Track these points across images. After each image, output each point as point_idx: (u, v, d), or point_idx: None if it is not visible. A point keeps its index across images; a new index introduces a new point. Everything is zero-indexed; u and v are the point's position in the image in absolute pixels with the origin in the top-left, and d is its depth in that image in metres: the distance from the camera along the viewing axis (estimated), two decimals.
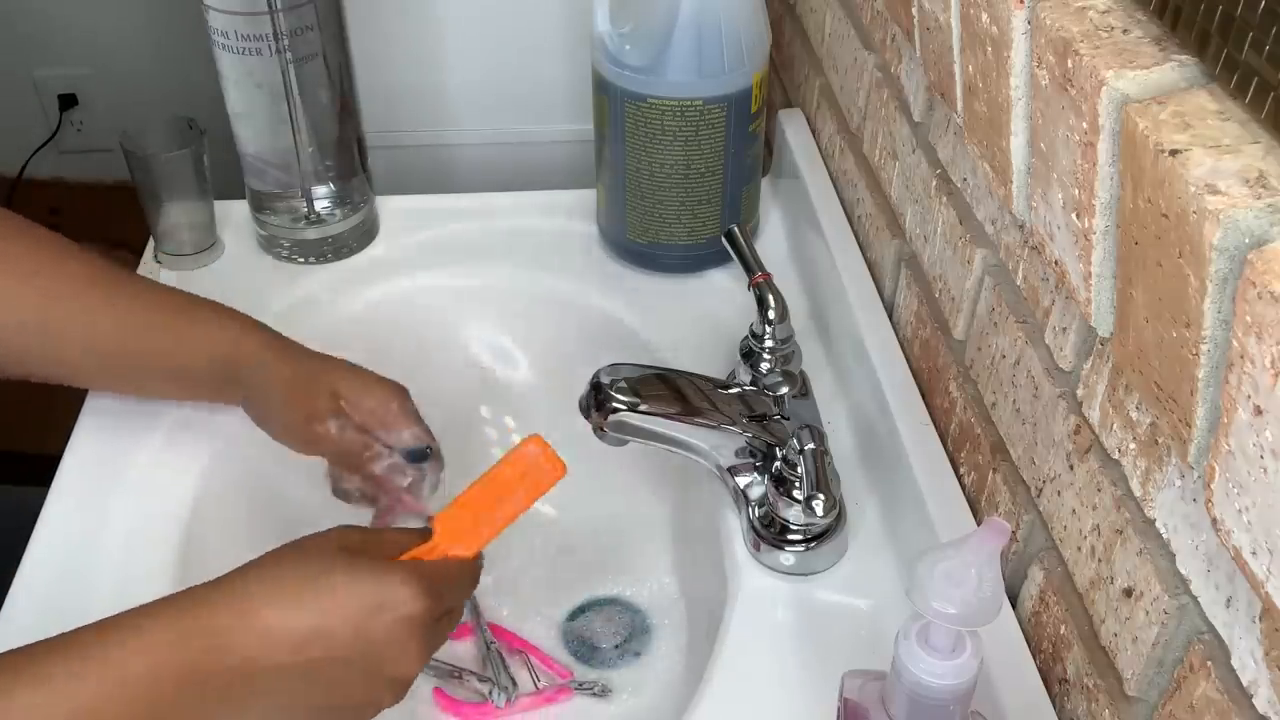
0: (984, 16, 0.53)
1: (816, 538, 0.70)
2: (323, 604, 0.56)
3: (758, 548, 0.71)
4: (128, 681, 0.53)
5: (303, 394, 0.73)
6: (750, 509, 0.72)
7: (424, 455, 0.74)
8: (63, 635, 0.54)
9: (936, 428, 0.72)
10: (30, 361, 0.72)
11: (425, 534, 0.61)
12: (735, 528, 0.73)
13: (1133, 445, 0.51)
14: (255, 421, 0.75)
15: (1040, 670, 0.59)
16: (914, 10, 0.65)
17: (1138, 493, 0.51)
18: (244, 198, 0.95)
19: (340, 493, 0.76)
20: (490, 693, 0.75)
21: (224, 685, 0.55)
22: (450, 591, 0.60)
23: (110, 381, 0.78)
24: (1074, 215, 0.48)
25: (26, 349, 0.72)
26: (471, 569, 0.62)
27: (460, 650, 0.79)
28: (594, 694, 0.76)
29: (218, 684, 0.55)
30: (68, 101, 1.86)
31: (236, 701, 0.56)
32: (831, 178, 0.93)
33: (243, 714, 0.56)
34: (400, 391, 0.74)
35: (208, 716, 0.55)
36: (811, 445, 0.68)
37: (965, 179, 0.68)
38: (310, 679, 0.56)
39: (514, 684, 0.75)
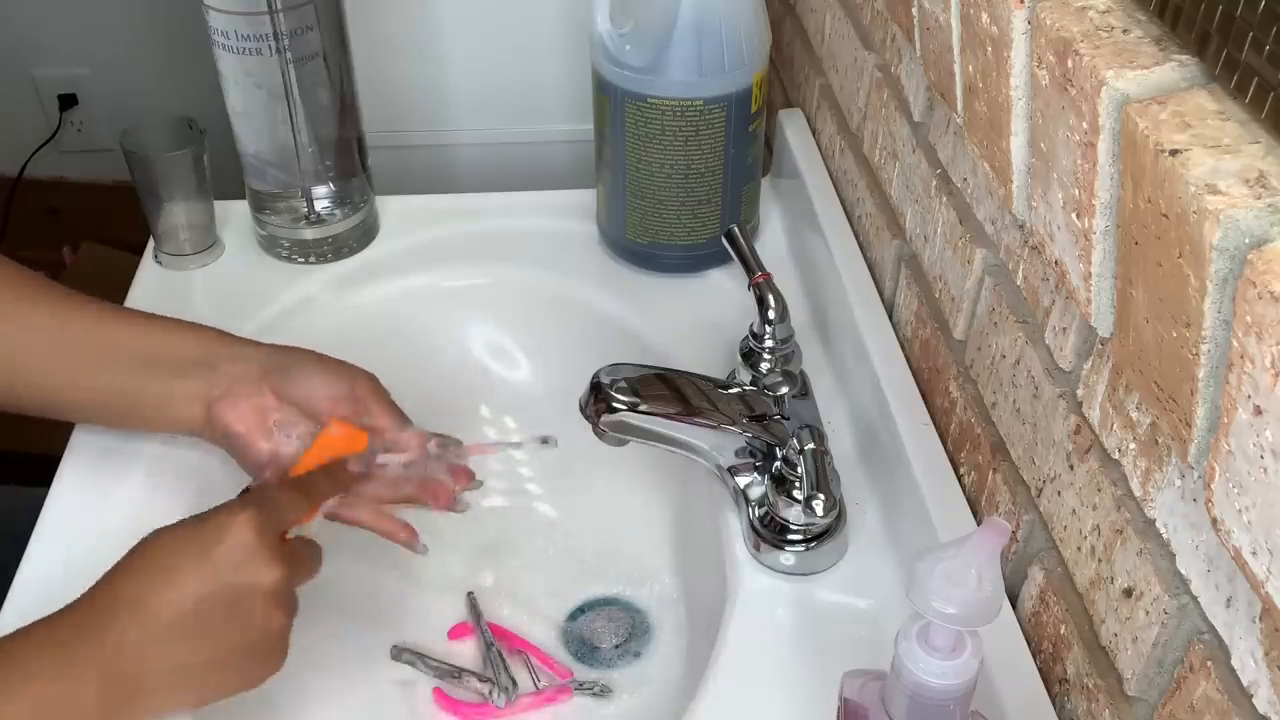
0: (984, 16, 0.53)
1: (816, 538, 0.70)
2: (173, 559, 0.59)
3: (758, 548, 0.71)
4: (22, 697, 0.55)
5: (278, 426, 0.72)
6: (750, 509, 0.72)
7: (443, 443, 0.73)
8: None
9: (936, 428, 0.72)
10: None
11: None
12: (735, 528, 0.73)
13: (1133, 445, 0.51)
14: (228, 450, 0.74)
15: (1040, 670, 0.59)
16: (914, 10, 0.65)
17: (1138, 493, 0.51)
18: (244, 198, 0.95)
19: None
20: (490, 693, 0.75)
21: (116, 674, 0.57)
22: (278, 502, 0.63)
23: (69, 408, 0.76)
24: (1074, 215, 0.48)
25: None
26: (293, 490, 0.65)
27: (460, 650, 0.79)
28: (594, 694, 0.76)
29: (110, 673, 0.56)
30: (68, 101, 1.86)
31: (140, 687, 0.57)
32: (831, 178, 0.93)
33: (153, 699, 0.58)
34: (370, 387, 0.73)
35: (115, 715, 0.57)
36: (811, 445, 0.68)
37: (965, 179, 0.68)
38: (194, 632, 0.58)
39: (514, 684, 0.75)
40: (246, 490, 0.71)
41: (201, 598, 0.58)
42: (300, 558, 0.63)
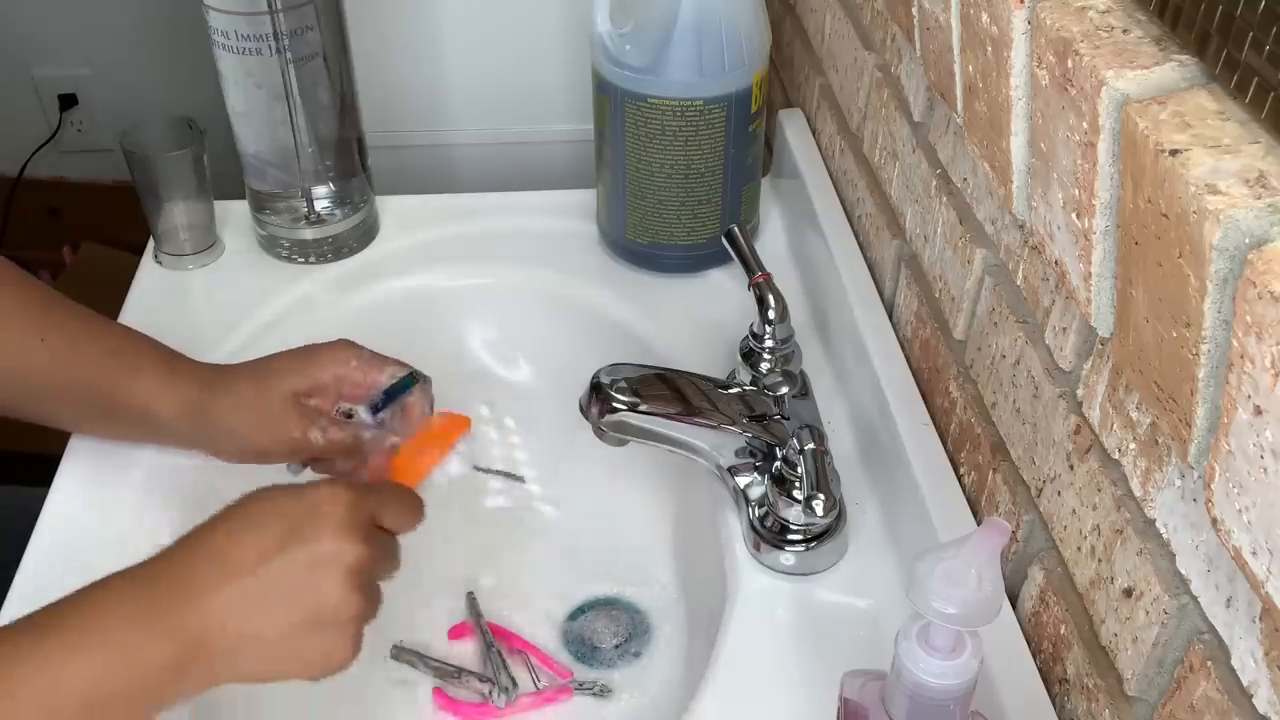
0: (984, 16, 0.53)
1: (816, 538, 0.70)
2: (261, 517, 0.58)
3: (758, 548, 0.71)
4: (94, 651, 0.54)
5: (262, 411, 0.72)
6: (750, 509, 0.72)
7: (409, 384, 0.74)
8: (32, 616, 0.56)
9: (936, 428, 0.72)
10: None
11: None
12: (735, 528, 0.73)
13: (1133, 445, 0.51)
14: (219, 452, 0.74)
15: (1040, 670, 0.59)
16: (914, 10, 0.65)
17: (1138, 493, 0.51)
18: (244, 198, 0.95)
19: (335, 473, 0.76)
20: (490, 693, 0.75)
21: (183, 628, 0.56)
22: (380, 493, 0.62)
23: (38, 410, 0.75)
24: (1074, 215, 0.48)
25: None
26: (404, 488, 0.65)
27: (460, 650, 0.79)
28: (594, 694, 0.76)
29: (177, 627, 0.56)
30: (68, 101, 1.86)
31: (205, 645, 0.56)
32: (831, 178, 0.93)
33: (216, 662, 0.57)
34: (346, 346, 0.74)
35: (178, 672, 0.56)
36: (811, 445, 0.68)
37: (965, 179, 0.68)
38: (263, 594, 0.57)
39: (514, 684, 0.75)
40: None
41: (283, 559, 0.57)
42: (387, 550, 0.62)
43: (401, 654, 0.77)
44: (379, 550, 0.60)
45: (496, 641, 0.78)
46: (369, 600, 0.59)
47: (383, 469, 0.73)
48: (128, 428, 0.75)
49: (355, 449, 0.74)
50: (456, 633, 0.80)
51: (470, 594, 0.81)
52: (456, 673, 0.76)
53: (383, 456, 0.73)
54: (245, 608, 0.57)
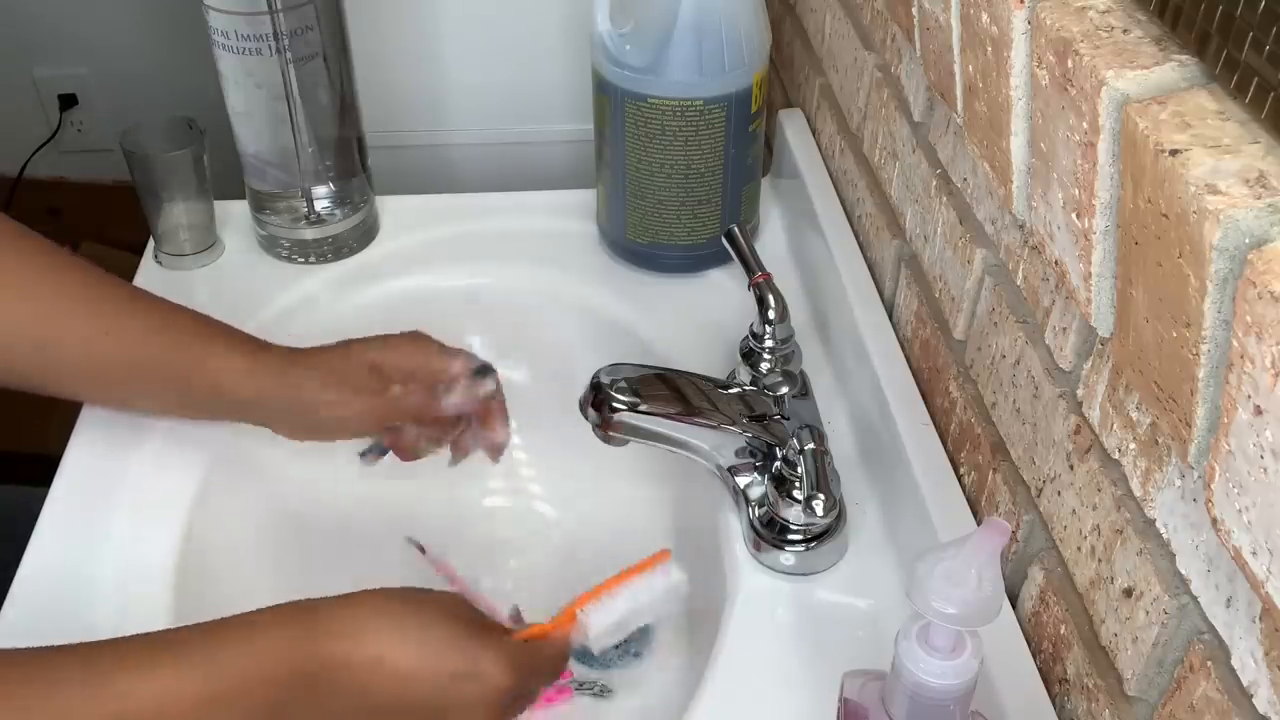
0: (984, 16, 0.53)
1: (816, 538, 0.70)
2: (425, 651, 0.59)
3: (758, 548, 0.71)
4: (234, 682, 0.55)
5: (343, 379, 0.74)
6: (750, 509, 0.72)
7: (489, 368, 0.77)
8: (169, 631, 0.57)
9: (936, 428, 0.72)
10: (27, 374, 0.72)
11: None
12: (735, 528, 0.73)
13: (1133, 445, 0.51)
14: (294, 427, 0.75)
15: (1040, 670, 0.59)
16: (914, 10, 0.65)
17: (1138, 493, 0.51)
18: (244, 198, 0.95)
19: (404, 449, 0.78)
20: None
21: (315, 697, 0.57)
22: (535, 673, 0.63)
23: (108, 395, 0.77)
24: (1074, 215, 0.48)
25: (22, 361, 0.71)
26: (557, 654, 0.65)
27: None
28: (594, 694, 0.75)
29: (312, 696, 0.57)
30: (68, 101, 1.86)
31: (299, 713, 0.57)
32: (831, 178, 0.93)
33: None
34: (423, 335, 0.77)
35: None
36: (811, 445, 0.68)
37: (965, 179, 0.68)
38: (383, 714, 0.58)
39: None
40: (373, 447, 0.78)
41: (413, 703, 0.59)
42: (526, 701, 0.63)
43: None
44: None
45: None
46: None
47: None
48: (208, 409, 0.76)
49: (437, 416, 0.76)
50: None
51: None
52: None
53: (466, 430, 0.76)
54: (356, 708, 0.58)
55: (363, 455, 0.78)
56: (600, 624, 0.65)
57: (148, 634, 0.56)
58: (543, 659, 0.64)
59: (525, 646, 0.62)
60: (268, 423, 0.75)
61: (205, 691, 0.54)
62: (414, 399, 0.75)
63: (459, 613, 0.61)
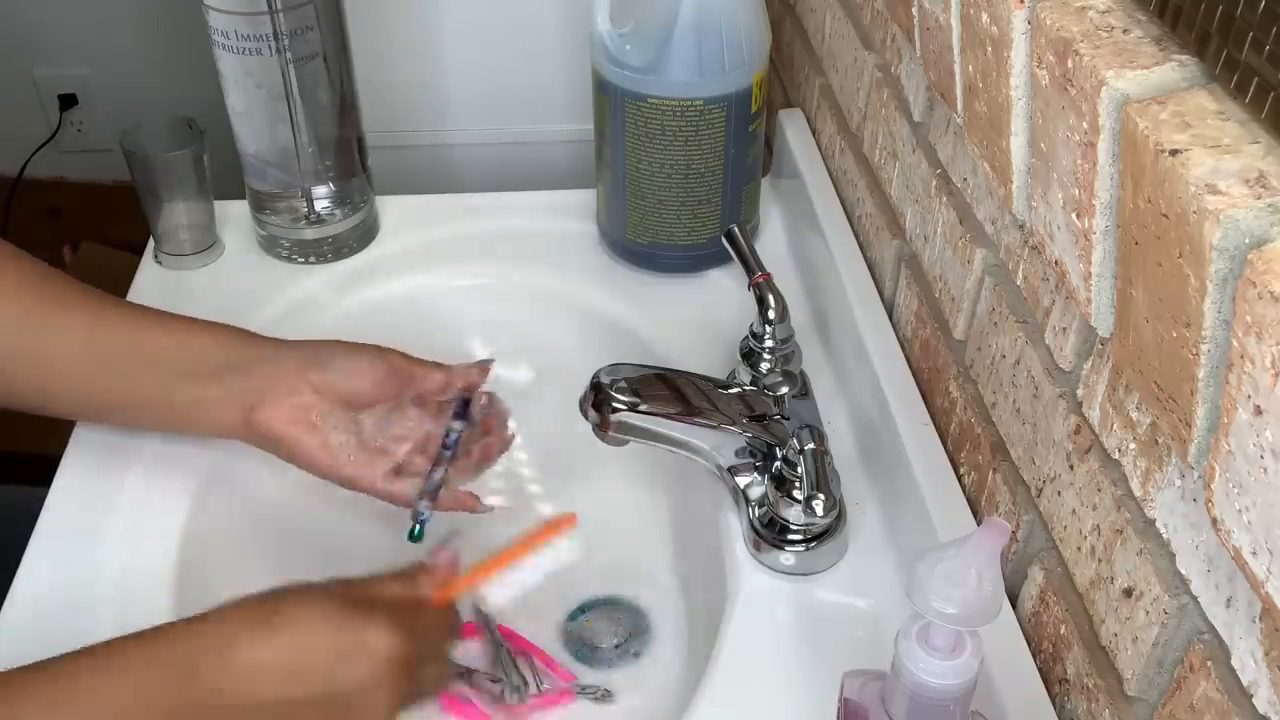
0: (984, 16, 0.53)
1: (816, 538, 0.70)
2: (298, 642, 0.57)
3: (758, 548, 0.71)
4: (103, 713, 0.55)
5: (340, 446, 0.73)
6: (750, 509, 0.72)
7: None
8: (38, 664, 0.55)
9: (936, 428, 0.72)
10: (26, 399, 0.72)
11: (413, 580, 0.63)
12: (735, 528, 0.73)
13: (1133, 445, 0.51)
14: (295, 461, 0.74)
15: (1040, 670, 0.59)
16: (914, 10, 0.65)
17: (1138, 493, 0.51)
18: (244, 198, 0.95)
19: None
20: (503, 692, 0.75)
21: (198, 718, 0.56)
22: (426, 633, 0.62)
23: (107, 423, 0.77)
24: (1074, 215, 0.48)
25: (20, 385, 0.71)
26: (446, 615, 0.64)
27: (470, 650, 0.79)
28: (595, 699, 0.75)
29: (192, 717, 0.56)
30: (68, 101, 1.86)
31: None
32: (831, 178, 0.93)
33: None
34: (390, 356, 0.74)
35: None
36: (811, 445, 0.68)
37: (965, 179, 0.68)
38: (288, 711, 0.57)
39: (526, 683, 0.75)
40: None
41: (309, 698, 0.57)
42: (432, 675, 0.63)
43: None
44: (410, 695, 0.61)
45: (506, 642, 0.78)
46: None
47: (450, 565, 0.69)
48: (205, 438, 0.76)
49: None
50: (461, 633, 0.79)
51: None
52: (467, 673, 0.76)
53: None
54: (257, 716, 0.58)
55: (413, 537, 0.75)
56: (494, 592, 0.67)
57: (23, 669, 0.55)
58: (431, 618, 0.63)
59: (406, 609, 0.61)
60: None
61: None
62: (414, 461, 0.75)
63: (329, 594, 0.60)
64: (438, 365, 0.75)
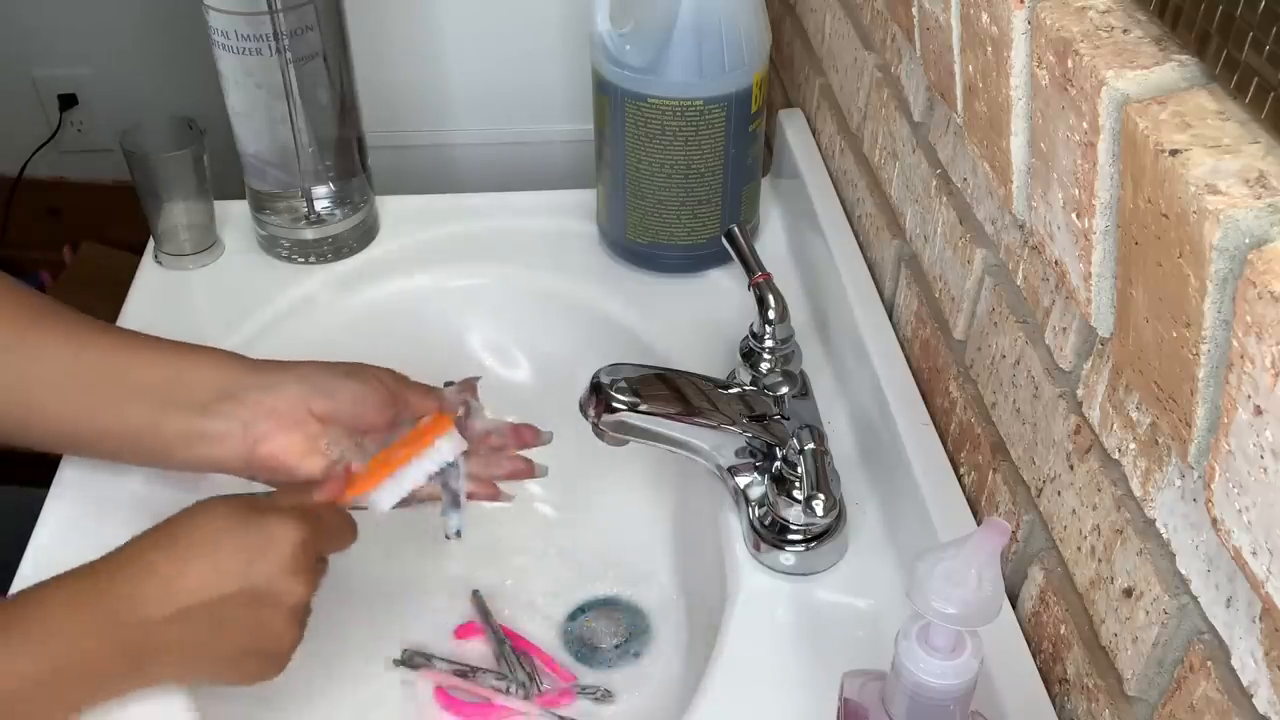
0: (984, 16, 0.53)
1: (816, 538, 0.70)
2: (204, 550, 0.60)
3: (758, 548, 0.71)
4: (40, 652, 0.57)
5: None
6: (750, 509, 0.72)
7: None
8: None
9: (936, 428, 0.72)
10: (10, 435, 0.70)
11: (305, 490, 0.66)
12: (735, 528, 0.73)
13: (1133, 445, 0.51)
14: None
15: (1040, 670, 0.59)
16: (914, 10, 0.65)
17: (1138, 493, 0.51)
18: (244, 198, 0.95)
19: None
20: (508, 689, 0.75)
21: (129, 641, 0.59)
22: (324, 525, 0.64)
23: (87, 444, 0.73)
24: (1074, 215, 0.48)
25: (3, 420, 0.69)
26: (340, 514, 0.66)
27: (467, 649, 0.79)
28: (595, 699, 0.75)
29: (124, 640, 0.58)
30: (68, 101, 1.86)
31: (148, 656, 0.59)
32: (831, 178, 0.93)
33: (156, 669, 0.61)
34: (367, 386, 0.71)
35: (120, 679, 0.60)
36: (811, 445, 0.68)
37: (965, 179, 0.68)
38: (211, 623, 0.60)
39: (530, 680, 0.75)
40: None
41: (229, 595, 0.60)
42: (320, 579, 0.65)
43: (413, 657, 0.77)
44: (317, 583, 0.64)
45: (508, 640, 0.78)
46: (302, 629, 0.63)
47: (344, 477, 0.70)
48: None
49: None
50: (463, 632, 0.79)
51: (476, 592, 0.81)
52: (471, 672, 0.76)
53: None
54: (192, 635, 0.60)
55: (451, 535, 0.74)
56: (390, 499, 0.69)
57: None
58: (328, 515, 0.65)
59: (301, 505, 0.64)
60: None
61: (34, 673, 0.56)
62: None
63: (227, 501, 0.62)
64: (428, 390, 0.73)
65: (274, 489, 0.69)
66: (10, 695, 0.56)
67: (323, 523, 0.64)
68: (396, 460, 0.69)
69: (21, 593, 0.59)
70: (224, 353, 0.72)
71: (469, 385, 0.74)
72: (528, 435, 0.75)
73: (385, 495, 0.68)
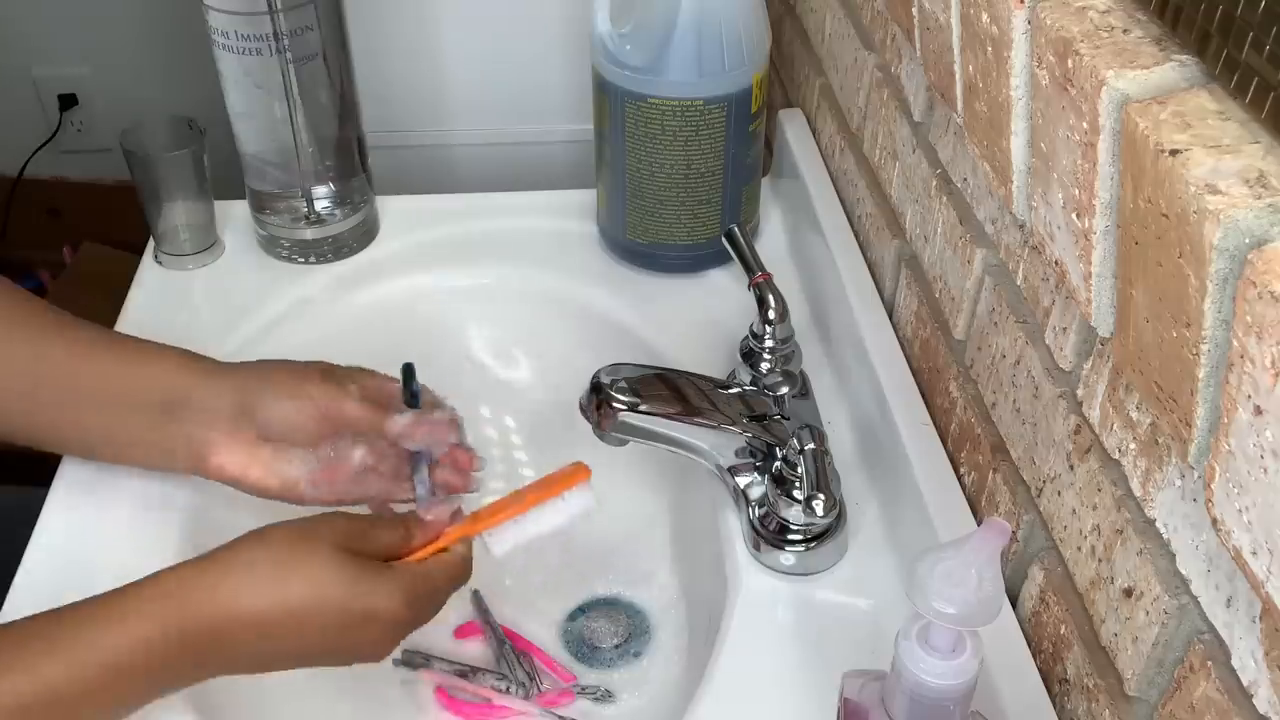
0: (984, 16, 0.53)
1: (817, 538, 0.70)
2: (308, 604, 0.59)
3: (758, 548, 0.71)
4: (103, 664, 0.56)
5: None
6: (750, 509, 0.72)
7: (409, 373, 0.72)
8: (37, 615, 0.56)
9: (936, 428, 0.72)
10: (13, 434, 0.70)
11: (411, 528, 0.64)
12: (735, 528, 0.73)
13: (1133, 445, 0.51)
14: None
15: (1040, 670, 0.59)
16: (914, 10, 0.65)
17: (1138, 493, 0.51)
18: (244, 198, 0.95)
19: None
20: (508, 689, 0.75)
21: (217, 655, 0.59)
22: (433, 594, 0.64)
23: (52, 444, 0.73)
24: (1074, 215, 0.48)
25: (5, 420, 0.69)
26: (454, 568, 0.65)
27: (467, 649, 0.79)
28: (595, 699, 0.75)
29: (214, 654, 0.58)
30: (68, 101, 1.86)
31: (210, 669, 0.60)
32: (831, 178, 0.93)
33: (218, 671, 0.61)
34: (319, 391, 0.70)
35: (182, 683, 0.60)
36: (811, 445, 0.68)
37: (965, 179, 0.68)
38: (284, 656, 0.60)
39: (530, 680, 0.75)
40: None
41: (308, 655, 0.61)
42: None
43: (414, 658, 0.77)
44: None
45: (508, 640, 0.78)
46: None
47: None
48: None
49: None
50: (463, 632, 0.79)
51: (475, 592, 0.81)
52: (471, 672, 0.76)
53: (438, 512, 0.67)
54: (283, 673, 0.61)
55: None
56: (506, 544, 0.66)
57: (16, 623, 0.56)
58: (441, 579, 0.64)
59: (419, 573, 0.62)
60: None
61: (62, 688, 0.55)
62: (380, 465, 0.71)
63: (338, 538, 0.60)
64: (361, 404, 0.71)
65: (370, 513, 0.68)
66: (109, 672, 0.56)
67: (429, 593, 0.63)
68: (522, 504, 0.66)
69: (104, 594, 0.58)
70: (179, 356, 0.71)
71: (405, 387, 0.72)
72: (464, 460, 0.73)
73: (501, 541, 0.66)
